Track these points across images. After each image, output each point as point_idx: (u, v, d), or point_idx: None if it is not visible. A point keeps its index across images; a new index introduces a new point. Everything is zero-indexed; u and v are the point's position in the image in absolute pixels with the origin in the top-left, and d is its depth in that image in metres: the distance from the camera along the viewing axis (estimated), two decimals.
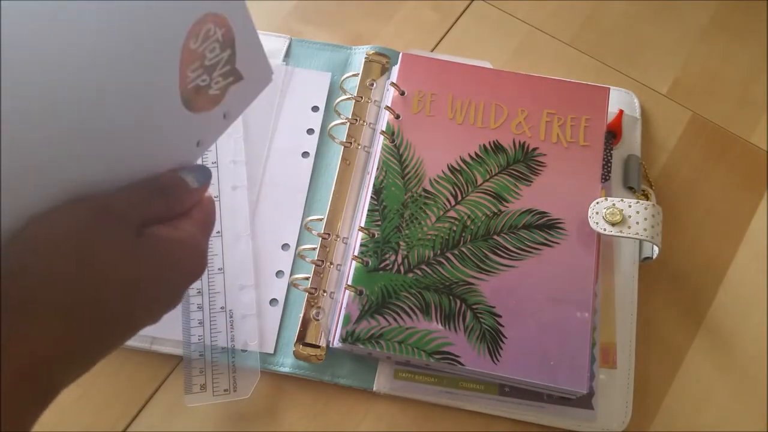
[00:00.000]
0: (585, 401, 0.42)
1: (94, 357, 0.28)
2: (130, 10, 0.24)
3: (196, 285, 0.44)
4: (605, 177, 0.48)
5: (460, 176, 0.46)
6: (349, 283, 0.43)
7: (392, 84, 0.48)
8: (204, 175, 0.33)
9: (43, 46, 0.22)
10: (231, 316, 0.43)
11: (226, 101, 0.32)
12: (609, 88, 0.48)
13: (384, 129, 0.47)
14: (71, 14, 0.22)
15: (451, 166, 0.46)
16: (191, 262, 0.31)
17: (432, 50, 0.55)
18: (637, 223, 0.43)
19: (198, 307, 0.43)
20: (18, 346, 0.24)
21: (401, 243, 0.44)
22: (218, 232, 0.45)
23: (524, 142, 0.47)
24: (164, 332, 0.43)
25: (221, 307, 0.44)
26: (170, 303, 0.31)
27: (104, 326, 0.28)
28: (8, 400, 0.24)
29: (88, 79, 0.24)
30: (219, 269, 0.44)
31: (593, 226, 0.43)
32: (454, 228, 0.44)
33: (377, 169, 0.46)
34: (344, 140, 0.48)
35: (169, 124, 0.30)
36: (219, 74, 0.30)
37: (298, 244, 0.46)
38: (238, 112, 0.34)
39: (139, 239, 0.28)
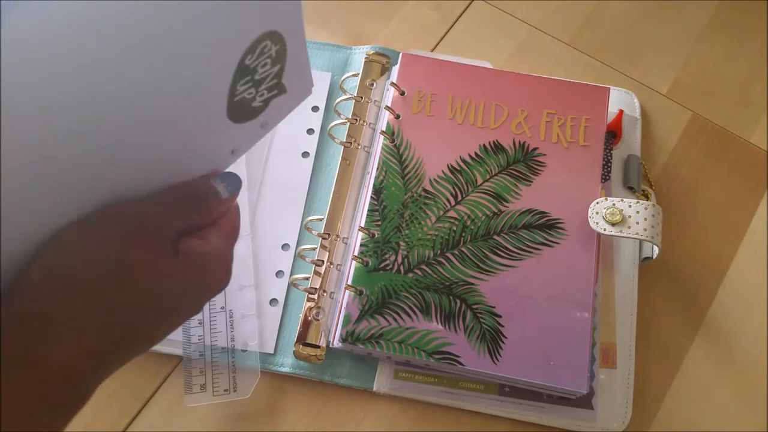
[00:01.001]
0: (585, 401, 0.42)
1: (119, 365, 0.28)
2: (194, 23, 0.24)
3: None
4: (605, 177, 0.48)
5: (460, 176, 0.46)
6: (349, 283, 0.43)
7: (392, 84, 0.48)
8: (235, 183, 0.32)
9: (98, 49, 0.22)
10: (231, 316, 0.43)
11: (266, 112, 0.32)
12: (609, 88, 0.48)
13: (384, 129, 0.47)
14: (129, 22, 0.22)
15: (451, 166, 0.46)
16: (220, 277, 0.31)
17: (432, 50, 0.55)
18: (637, 223, 0.43)
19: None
20: (47, 357, 0.24)
21: (401, 243, 0.44)
22: None
23: (524, 142, 0.47)
24: None
25: (221, 307, 0.44)
26: (193, 314, 0.31)
27: (133, 340, 0.28)
28: (39, 408, 0.24)
29: (137, 85, 0.24)
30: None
31: (593, 226, 0.43)
32: (454, 228, 0.44)
33: (377, 169, 0.46)
34: (344, 140, 0.48)
35: (210, 133, 0.30)
36: (265, 87, 0.30)
37: (298, 244, 0.46)
38: (275, 122, 0.34)
39: (175, 256, 0.28)
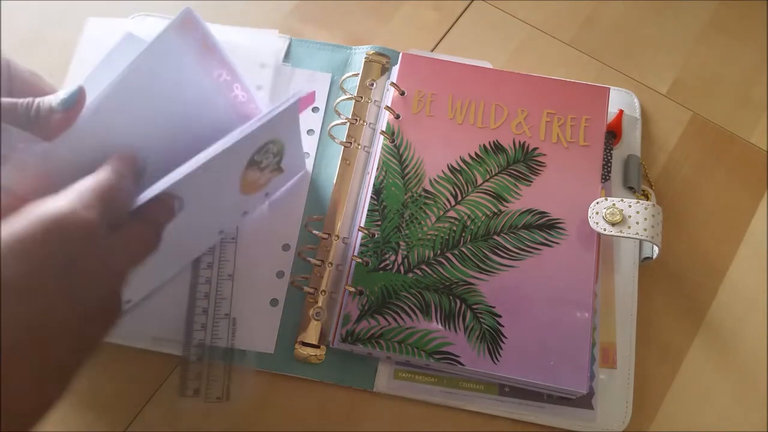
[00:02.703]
0: (585, 401, 0.42)
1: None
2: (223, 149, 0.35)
3: (204, 289, 0.44)
4: (605, 177, 0.48)
5: (460, 176, 0.46)
6: (349, 283, 0.43)
7: (392, 84, 0.48)
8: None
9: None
10: (234, 324, 0.43)
11: (268, 186, 0.44)
12: (609, 88, 0.48)
13: (384, 129, 0.47)
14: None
15: (451, 166, 0.46)
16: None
17: (432, 50, 0.55)
18: (637, 223, 0.43)
19: (203, 311, 0.43)
20: None
21: (401, 243, 0.44)
22: (233, 238, 0.45)
23: (524, 142, 0.47)
24: (167, 332, 0.43)
25: (225, 314, 0.43)
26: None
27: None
28: None
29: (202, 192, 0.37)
30: (229, 276, 0.44)
31: (593, 226, 0.43)
32: (454, 228, 0.44)
33: (377, 169, 0.46)
34: (344, 140, 0.48)
35: (230, 204, 0.42)
36: (268, 171, 0.42)
37: (298, 244, 0.46)
38: (275, 191, 0.46)
39: None
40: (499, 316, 0.42)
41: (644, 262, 0.47)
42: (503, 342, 0.41)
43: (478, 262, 0.43)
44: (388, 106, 0.48)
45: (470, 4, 0.57)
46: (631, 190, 0.49)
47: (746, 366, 0.45)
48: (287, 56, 0.53)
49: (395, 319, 0.41)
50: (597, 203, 0.44)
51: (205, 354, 0.42)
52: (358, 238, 0.44)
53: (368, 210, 0.45)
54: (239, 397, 0.42)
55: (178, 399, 0.41)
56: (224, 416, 0.42)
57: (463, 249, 0.44)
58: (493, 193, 0.45)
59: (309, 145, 0.49)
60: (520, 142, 0.47)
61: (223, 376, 0.42)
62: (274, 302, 0.45)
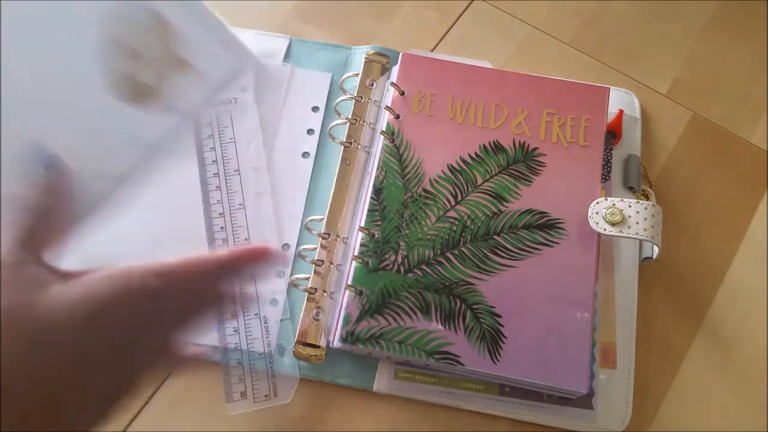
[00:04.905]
0: (585, 401, 0.42)
1: None
2: None
3: None
4: (605, 177, 0.48)
5: (460, 176, 0.46)
6: (349, 283, 0.43)
7: (392, 84, 0.48)
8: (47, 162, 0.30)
9: None
10: (266, 322, 0.43)
11: (169, 94, 0.36)
12: (609, 88, 0.48)
13: (384, 129, 0.47)
14: None
15: (451, 166, 0.46)
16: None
17: (432, 50, 0.55)
18: (637, 223, 0.43)
19: (232, 314, 0.43)
20: None
21: (401, 243, 0.44)
22: (246, 239, 0.45)
23: (524, 142, 0.47)
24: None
25: (255, 314, 0.43)
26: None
27: None
28: None
29: None
30: (252, 275, 0.44)
31: (593, 226, 0.43)
32: (454, 228, 0.44)
33: (377, 169, 0.46)
34: (344, 140, 0.48)
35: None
36: (149, 62, 0.34)
37: (298, 244, 0.46)
38: (190, 105, 0.37)
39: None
40: (499, 316, 0.42)
41: (644, 262, 0.47)
42: (503, 342, 0.41)
43: (478, 262, 0.43)
44: (388, 106, 0.48)
45: (470, 4, 0.57)
46: (631, 190, 0.48)
47: (746, 366, 0.45)
48: (287, 56, 0.53)
49: (395, 319, 0.41)
50: (597, 203, 0.44)
51: (243, 356, 0.42)
52: (358, 238, 0.44)
53: (368, 210, 0.45)
54: (287, 392, 0.42)
55: (225, 405, 0.42)
56: (223, 416, 0.42)
57: (463, 249, 0.44)
58: (493, 193, 0.45)
59: (309, 145, 0.49)
60: (520, 142, 0.47)
61: (267, 375, 0.42)
62: (274, 302, 0.45)
